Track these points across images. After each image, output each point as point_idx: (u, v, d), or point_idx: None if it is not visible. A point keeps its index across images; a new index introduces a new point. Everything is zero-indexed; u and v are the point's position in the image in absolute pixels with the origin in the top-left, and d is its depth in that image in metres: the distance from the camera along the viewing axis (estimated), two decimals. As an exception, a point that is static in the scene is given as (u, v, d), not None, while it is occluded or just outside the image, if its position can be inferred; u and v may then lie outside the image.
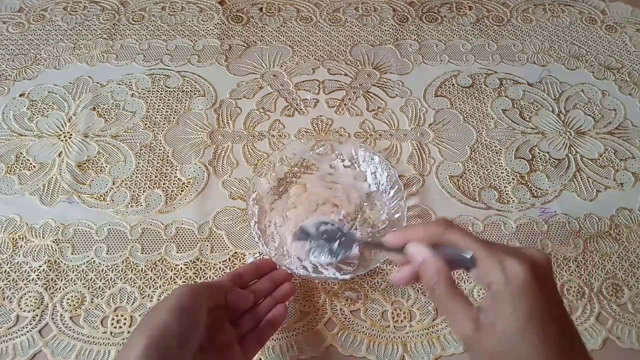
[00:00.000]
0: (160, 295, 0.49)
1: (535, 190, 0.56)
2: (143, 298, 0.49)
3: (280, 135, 0.60)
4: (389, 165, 0.53)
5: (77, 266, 0.50)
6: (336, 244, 0.47)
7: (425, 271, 0.34)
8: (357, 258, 0.49)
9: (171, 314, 0.35)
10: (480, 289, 0.50)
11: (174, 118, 0.61)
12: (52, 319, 0.48)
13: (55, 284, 0.49)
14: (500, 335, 0.30)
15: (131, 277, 0.50)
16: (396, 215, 0.50)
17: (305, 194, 0.54)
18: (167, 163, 0.57)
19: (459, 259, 0.33)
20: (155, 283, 0.50)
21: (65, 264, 0.50)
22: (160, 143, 0.59)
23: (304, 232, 0.48)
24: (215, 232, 0.53)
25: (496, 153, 0.59)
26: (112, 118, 0.60)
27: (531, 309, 0.29)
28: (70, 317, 0.48)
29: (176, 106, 0.62)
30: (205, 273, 0.51)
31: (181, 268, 0.51)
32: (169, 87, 0.63)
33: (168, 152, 0.58)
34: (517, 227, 0.54)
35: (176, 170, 0.57)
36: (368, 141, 0.59)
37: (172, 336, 0.34)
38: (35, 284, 0.49)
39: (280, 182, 0.55)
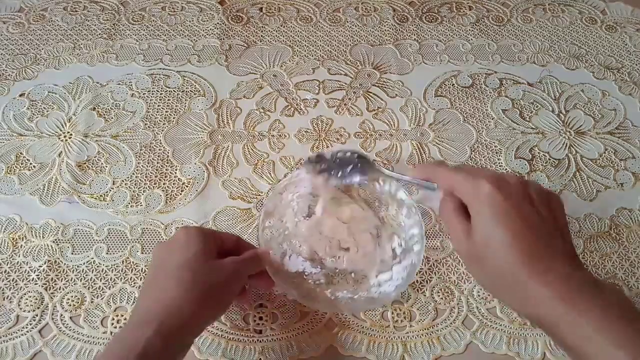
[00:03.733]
0: (160, 295, 0.49)
1: (535, 190, 0.56)
2: (143, 298, 0.49)
3: (280, 135, 0.60)
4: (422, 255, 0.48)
5: (77, 266, 0.50)
6: (349, 168, 0.47)
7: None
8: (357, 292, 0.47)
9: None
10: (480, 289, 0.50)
11: (174, 118, 0.61)
12: (52, 319, 0.48)
13: (55, 284, 0.49)
14: (478, 238, 0.36)
15: (131, 277, 0.50)
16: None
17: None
18: (167, 163, 0.57)
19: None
20: (155, 283, 0.50)
21: (65, 264, 0.51)
22: (160, 143, 0.59)
23: (318, 157, 0.48)
24: (215, 232, 0.53)
25: (496, 153, 0.59)
26: (112, 118, 0.61)
27: (497, 212, 0.35)
28: (70, 317, 0.48)
29: (176, 106, 0.62)
30: (205, 273, 0.51)
31: (181, 268, 0.51)
32: (169, 87, 0.63)
33: (168, 152, 0.58)
34: (517, 227, 0.54)
35: (176, 170, 0.57)
36: (368, 141, 0.59)
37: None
38: (35, 284, 0.49)
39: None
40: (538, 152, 0.59)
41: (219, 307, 0.42)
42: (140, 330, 0.36)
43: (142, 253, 0.51)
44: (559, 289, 0.33)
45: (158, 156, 0.58)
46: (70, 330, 0.47)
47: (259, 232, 0.49)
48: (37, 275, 0.50)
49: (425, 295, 0.50)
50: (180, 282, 0.38)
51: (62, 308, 0.48)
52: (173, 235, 0.42)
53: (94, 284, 0.50)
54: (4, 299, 0.49)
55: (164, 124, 0.60)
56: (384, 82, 0.65)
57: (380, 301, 0.47)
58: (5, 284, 0.49)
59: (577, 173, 0.58)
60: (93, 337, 0.47)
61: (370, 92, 0.64)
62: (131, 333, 0.37)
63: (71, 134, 0.59)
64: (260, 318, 0.48)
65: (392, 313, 0.49)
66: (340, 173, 0.47)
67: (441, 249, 0.52)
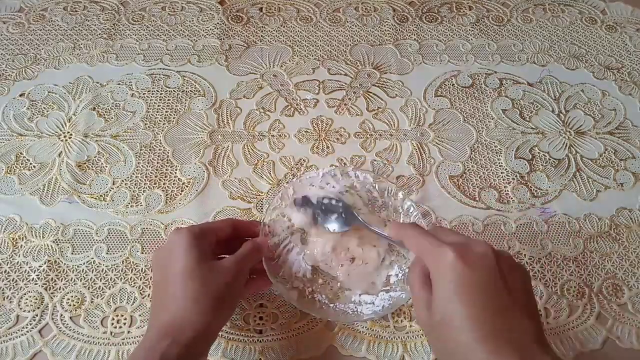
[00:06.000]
0: (160, 295, 0.49)
1: (535, 190, 0.56)
2: (143, 298, 0.49)
3: (280, 135, 0.60)
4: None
5: (77, 266, 0.50)
6: (334, 217, 0.47)
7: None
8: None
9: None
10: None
11: (174, 118, 0.61)
12: (52, 319, 0.48)
13: (55, 284, 0.49)
14: (437, 309, 0.34)
15: (131, 277, 0.50)
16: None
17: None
18: (167, 163, 0.57)
19: None
20: (155, 283, 0.50)
21: (65, 264, 0.51)
22: (160, 143, 0.59)
23: (304, 199, 0.48)
24: (215, 232, 0.53)
25: (496, 153, 0.59)
26: (112, 118, 0.61)
27: (457, 283, 0.34)
28: (70, 317, 0.48)
29: (176, 106, 0.62)
30: (205, 273, 0.51)
31: (181, 268, 0.51)
32: (169, 87, 0.63)
33: (168, 152, 0.58)
34: (517, 227, 0.54)
35: (176, 170, 0.57)
36: (368, 141, 0.59)
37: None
38: (35, 284, 0.49)
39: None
40: (538, 152, 0.59)
41: (228, 309, 0.42)
42: (156, 346, 0.36)
43: (142, 253, 0.51)
44: None
45: (158, 156, 0.58)
46: (70, 330, 0.47)
47: (268, 209, 0.49)
48: (37, 275, 0.50)
49: (425, 295, 0.50)
50: (188, 294, 0.38)
51: (62, 308, 0.48)
52: (168, 240, 0.42)
53: (94, 284, 0.50)
54: (4, 299, 0.49)
55: (164, 124, 0.60)
56: (384, 82, 0.65)
57: (351, 318, 0.46)
58: (5, 284, 0.49)
59: (577, 173, 0.58)
60: (93, 337, 0.47)
61: (370, 92, 0.64)
62: (146, 350, 0.37)
63: (71, 134, 0.59)
64: (261, 318, 0.48)
65: (392, 313, 0.49)
66: (323, 219, 0.48)
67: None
